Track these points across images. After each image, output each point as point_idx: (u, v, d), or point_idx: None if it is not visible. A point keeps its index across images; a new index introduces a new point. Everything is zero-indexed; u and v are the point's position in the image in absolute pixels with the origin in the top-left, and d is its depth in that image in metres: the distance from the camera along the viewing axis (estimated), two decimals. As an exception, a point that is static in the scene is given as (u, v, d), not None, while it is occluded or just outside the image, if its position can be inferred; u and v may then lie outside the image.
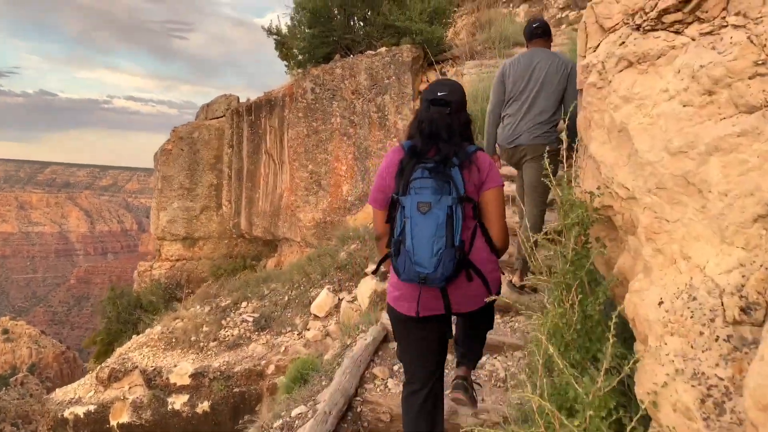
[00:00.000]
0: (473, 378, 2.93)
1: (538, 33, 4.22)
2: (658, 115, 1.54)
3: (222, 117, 15.81)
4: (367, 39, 11.33)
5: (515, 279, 4.09)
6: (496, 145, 4.36)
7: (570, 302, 1.62)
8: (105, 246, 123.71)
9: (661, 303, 1.36)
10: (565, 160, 2.07)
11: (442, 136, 2.43)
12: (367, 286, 7.47)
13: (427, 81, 11.05)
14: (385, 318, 3.74)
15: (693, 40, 1.48)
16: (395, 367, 3.37)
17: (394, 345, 3.59)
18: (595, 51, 1.82)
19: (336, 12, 11.35)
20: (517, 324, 3.48)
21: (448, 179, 2.32)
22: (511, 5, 13.81)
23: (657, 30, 1.57)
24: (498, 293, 2.52)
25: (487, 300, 2.33)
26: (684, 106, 1.45)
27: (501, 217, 2.46)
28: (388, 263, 2.46)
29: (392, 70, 10.54)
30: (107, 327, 15.24)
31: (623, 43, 1.67)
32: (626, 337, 1.69)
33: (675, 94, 1.49)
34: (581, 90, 1.95)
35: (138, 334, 11.09)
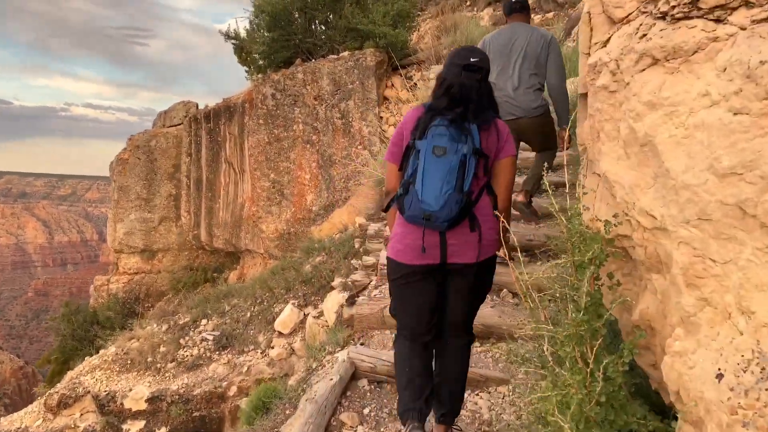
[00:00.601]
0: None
1: (517, 8, 4.36)
2: (696, 126, 1.21)
3: (180, 125, 15.26)
4: (329, 43, 10.96)
5: (521, 197, 4.45)
6: None
7: (588, 367, 1.28)
8: (64, 257, 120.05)
9: (720, 376, 1.03)
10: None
11: (473, 99, 2.43)
12: (334, 301, 7.09)
13: (392, 86, 10.74)
14: (353, 352, 3.39)
15: (742, 29, 1.15)
16: (366, 411, 3.01)
17: (364, 383, 3.24)
18: (604, 47, 1.50)
19: (296, 15, 10.95)
20: (498, 353, 3.16)
21: (467, 131, 2.36)
22: (475, 9, 13.62)
23: (691, 18, 1.24)
24: (494, 259, 2.55)
25: (499, 254, 2.41)
26: (735, 114, 1.12)
27: (509, 186, 2.52)
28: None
29: (356, 75, 10.19)
30: (62, 345, 14.48)
31: (644, 35, 1.34)
32: (653, 401, 1.35)
33: (720, 98, 1.16)
34: (585, 94, 1.62)
35: (97, 350, 10.47)
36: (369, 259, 5.09)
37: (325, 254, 8.63)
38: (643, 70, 1.32)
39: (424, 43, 11.05)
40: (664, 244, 1.30)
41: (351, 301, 4.05)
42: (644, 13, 1.39)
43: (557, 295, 1.68)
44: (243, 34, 11.79)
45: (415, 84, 9.94)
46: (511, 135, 2.56)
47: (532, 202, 4.66)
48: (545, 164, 3.43)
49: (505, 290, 4.07)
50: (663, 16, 1.30)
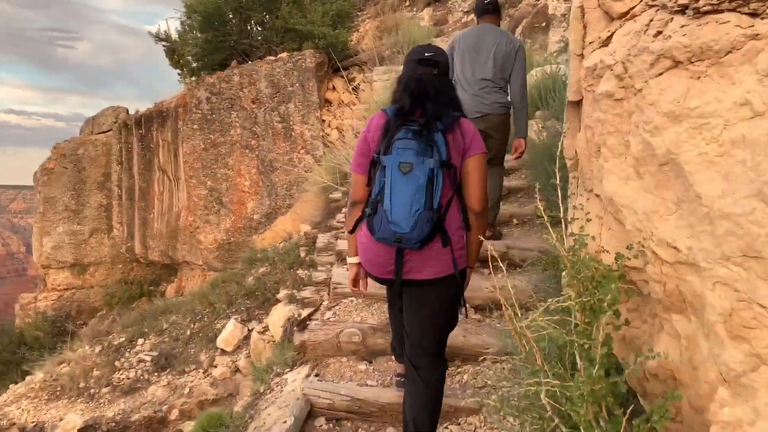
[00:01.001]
0: None
1: (489, 9, 4.40)
2: (734, 142, 0.99)
3: (110, 131, 14.48)
4: (267, 44, 10.56)
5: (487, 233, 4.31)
6: None
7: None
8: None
9: (799, 464, 0.81)
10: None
11: (430, 94, 2.38)
12: (280, 314, 6.78)
13: (334, 88, 10.45)
14: (309, 388, 3.09)
15: (790, 24, 0.94)
16: (326, 456, 2.73)
17: (321, 422, 2.94)
18: (605, 46, 1.27)
19: (231, 15, 10.50)
20: (465, 377, 2.94)
21: (432, 143, 2.28)
22: (414, 9, 13.47)
23: (721, 12, 1.03)
24: (463, 276, 2.46)
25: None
26: (790, 127, 0.90)
27: (482, 183, 2.41)
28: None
29: (296, 77, 9.84)
30: (-16, 370, 13.46)
31: (659, 33, 1.12)
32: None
33: (765, 109, 0.95)
34: (577, 102, 1.39)
35: (23, 376, 9.70)
36: (319, 275, 4.79)
37: (268, 265, 8.26)
38: (661, 74, 1.10)
39: (365, 44, 10.80)
40: (690, 282, 1.08)
41: (302, 326, 3.73)
42: (653, 6, 1.17)
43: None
44: (174, 35, 11.23)
45: (358, 86, 9.68)
46: (477, 133, 2.46)
47: (494, 227, 4.53)
48: (500, 189, 3.65)
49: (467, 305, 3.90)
50: (682, 10, 1.08)
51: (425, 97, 2.37)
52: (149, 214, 12.61)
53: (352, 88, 9.97)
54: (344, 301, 4.01)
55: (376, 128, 2.42)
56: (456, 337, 3.13)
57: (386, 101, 6.65)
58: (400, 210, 2.22)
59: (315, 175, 6.58)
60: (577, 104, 1.44)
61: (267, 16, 10.63)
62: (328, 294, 4.06)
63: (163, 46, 11.34)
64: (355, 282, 2.67)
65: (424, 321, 2.47)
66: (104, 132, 14.95)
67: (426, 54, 2.46)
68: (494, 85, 4.22)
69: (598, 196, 1.32)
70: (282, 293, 7.25)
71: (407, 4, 13.88)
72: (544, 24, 7.31)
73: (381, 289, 2.79)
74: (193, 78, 10.77)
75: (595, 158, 1.31)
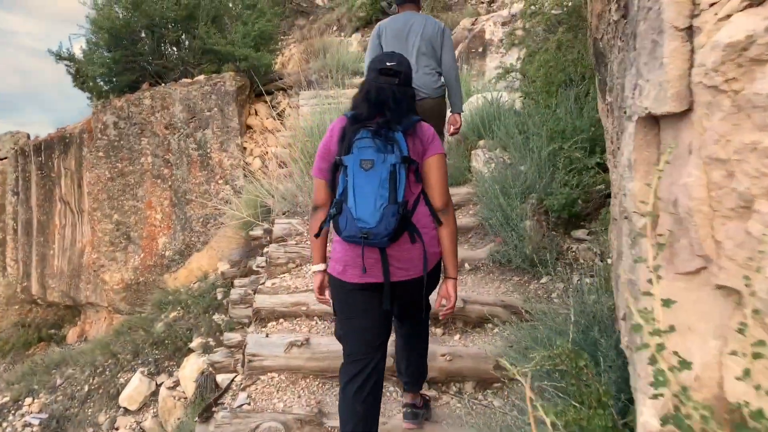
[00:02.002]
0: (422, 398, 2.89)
1: None
2: None
3: (6, 158, 13.09)
4: (182, 65, 9.73)
5: None
6: None
7: None
8: None
9: None
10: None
11: (389, 104, 2.39)
12: (193, 367, 5.98)
13: (256, 113, 9.72)
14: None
15: None
16: None
17: None
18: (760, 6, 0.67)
19: (143, 34, 9.62)
20: (450, 400, 2.33)
21: (392, 141, 2.31)
22: (342, 34, 13.00)
23: None
24: (437, 270, 2.53)
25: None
26: None
27: (442, 181, 2.44)
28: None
29: (214, 101, 9.05)
30: None
31: None
32: None
33: None
34: (673, 115, 0.78)
35: None
36: (233, 337, 4.04)
37: (181, 308, 7.38)
38: None
39: (291, 68, 10.17)
40: None
41: (206, 415, 2.95)
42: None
43: None
44: (79, 54, 10.21)
45: (283, 111, 9.00)
46: (436, 135, 2.49)
47: None
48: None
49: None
50: None
51: (384, 105, 2.38)
52: (48, 251, 11.33)
53: (277, 114, 9.29)
54: (262, 378, 3.19)
55: (336, 131, 2.44)
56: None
57: (315, 126, 6.07)
58: (363, 205, 2.22)
59: (233, 210, 5.82)
60: (674, 119, 0.85)
61: (183, 36, 9.83)
62: (242, 365, 3.28)
63: (66, 65, 10.28)
64: (321, 290, 2.63)
65: (415, 330, 2.66)
66: (1, 159, 13.58)
67: (388, 63, 2.47)
68: (428, 68, 4.31)
69: (722, 288, 0.71)
70: (195, 342, 6.41)
71: (335, 28, 13.41)
72: (481, 49, 6.95)
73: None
74: (100, 101, 9.77)
75: (735, 220, 0.70)
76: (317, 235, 2.49)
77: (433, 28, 4.38)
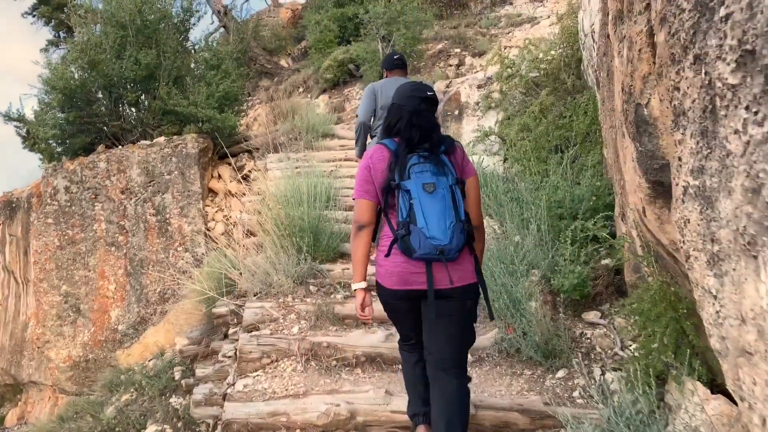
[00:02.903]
0: None
1: (398, 64, 4.90)
2: None
3: (-54, 223, 12.25)
4: (141, 126, 9.29)
5: None
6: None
7: None
8: None
9: None
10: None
11: (433, 127, 2.67)
12: (146, 461, 5.30)
13: (219, 176, 9.28)
14: None
15: None
16: None
17: None
18: None
19: (99, 94, 9.18)
20: None
21: (442, 164, 2.56)
22: (309, 95, 12.81)
23: None
24: (480, 275, 2.69)
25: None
26: None
27: (479, 200, 2.75)
28: None
29: (174, 164, 8.60)
30: None
31: None
32: None
33: None
34: None
35: None
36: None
37: (134, 390, 6.69)
38: None
39: (257, 129, 9.83)
40: None
41: None
42: None
43: None
44: (30, 115, 9.69)
45: (249, 174, 8.58)
46: (467, 155, 2.77)
47: None
48: None
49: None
50: None
51: (431, 130, 2.64)
52: (-11, 324, 10.43)
53: (242, 177, 8.87)
54: None
55: (379, 160, 2.64)
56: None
57: (289, 192, 5.66)
58: (435, 225, 2.44)
59: (194, 284, 5.30)
60: None
61: (143, 96, 9.43)
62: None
63: (15, 127, 9.74)
64: (363, 308, 2.76)
65: (448, 329, 2.62)
66: (-59, 224, 12.70)
67: (428, 93, 2.71)
68: None
69: None
70: (150, 429, 5.75)
71: (301, 90, 13.22)
72: (457, 112, 6.75)
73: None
74: (52, 164, 9.20)
75: None
76: (387, 256, 2.62)
77: None
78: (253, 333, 3.58)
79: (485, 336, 3.31)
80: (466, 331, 2.69)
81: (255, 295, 4.10)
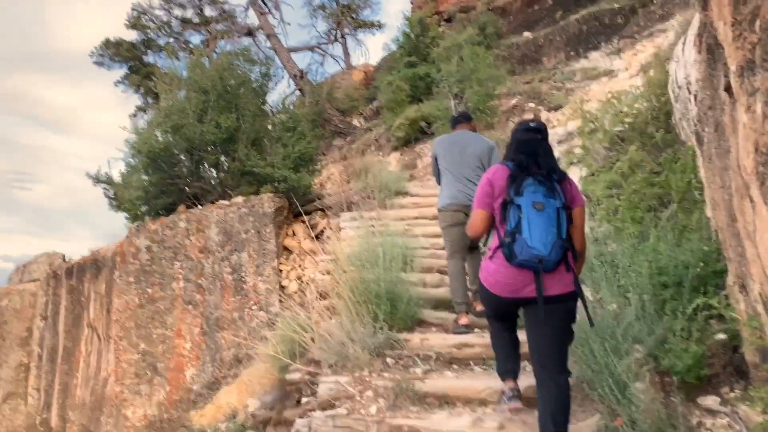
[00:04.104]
0: None
1: (461, 120, 5.37)
2: None
3: (38, 281, 12.93)
4: (221, 187, 9.52)
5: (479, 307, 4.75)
6: (439, 210, 5.12)
7: None
8: None
9: None
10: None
11: (539, 153, 3.08)
12: None
13: (293, 234, 9.31)
14: None
15: None
16: None
17: None
18: None
19: (181, 157, 9.51)
20: None
21: (554, 189, 2.93)
22: (380, 154, 12.87)
23: None
24: (579, 286, 3.00)
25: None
26: None
27: (584, 228, 3.13)
28: None
29: (251, 223, 8.70)
30: None
31: None
32: None
33: None
34: None
35: None
36: None
37: (208, 453, 6.58)
38: None
39: (330, 188, 9.89)
40: None
41: None
42: None
43: None
44: (117, 177, 10.14)
45: (322, 232, 8.56)
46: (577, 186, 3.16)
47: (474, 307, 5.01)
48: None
49: None
50: None
51: (535, 155, 3.03)
52: (72, 379, 10.73)
53: (315, 235, 8.86)
54: None
55: (501, 177, 3.04)
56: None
57: (363, 254, 5.52)
58: (538, 238, 2.79)
59: (267, 350, 5.18)
60: None
61: (222, 158, 9.70)
62: None
63: (104, 189, 10.20)
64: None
65: (552, 332, 2.90)
66: (34, 281, 13.42)
67: (531, 124, 3.26)
68: (478, 178, 4.72)
69: None
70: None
71: (373, 148, 13.32)
72: (535, 167, 6.52)
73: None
74: (135, 224, 9.53)
75: None
76: (491, 258, 3.02)
77: (483, 147, 5.00)
78: (329, 412, 3.34)
79: (585, 423, 2.95)
80: (566, 332, 2.98)
81: (330, 367, 3.90)
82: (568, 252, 2.88)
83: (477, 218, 3.10)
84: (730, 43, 2.19)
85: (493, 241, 3.04)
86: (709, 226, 3.55)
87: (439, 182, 5.29)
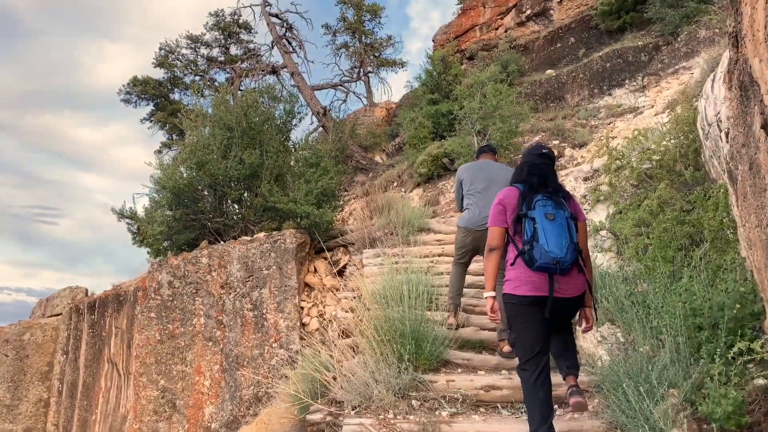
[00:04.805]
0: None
1: (485, 150, 5.81)
2: None
3: (60, 315, 12.99)
4: (243, 222, 9.55)
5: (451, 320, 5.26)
6: (459, 227, 5.49)
7: None
8: None
9: None
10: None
11: (551, 177, 3.55)
12: None
13: (315, 271, 9.26)
14: None
15: None
16: None
17: None
18: None
19: (205, 192, 9.59)
20: None
21: (561, 203, 3.39)
22: (403, 189, 12.87)
23: None
24: (590, 287, 3.49)
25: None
26: None
27: (587, 240, 3.63)
28: None
29: (272, 259, 8.68)
30: None
31: None
32: None
33: None
34: None
35: None
36: None
37: (224, 496, 6.42)
38: None
39: (352, 224, 9.86)
40: None
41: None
42: None
43: None
44: (141, 212, 10.23)
45: (344, 269, 8.50)
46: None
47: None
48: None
49: None
50: None
51: (547, 178, 3.50)
52: (91, 415, 10.66)
53: (337, 271, 8.80)
54: None
55: (512, 197, 3.48)
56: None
57: (384, 290, 5.44)
58: (554, 243, 3.19)
59: (287, 387, 5.08)
60: None
61: (245, 194, 9.76)
62: None
63: (127, 224, 10.29)
64: (492, 310, 3.51)
65: (563, 325, 3.48)
66: (57, 315, 13.48)
67: (544, 150, 3.68)
68: None
69: None
70: None
71: (395, 185, 13.34)
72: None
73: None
74: (158, 258, 9.57)
75: None
76: (512, 264, 3.34)
77: (507, 175, 5.08)
78: (356, 460, 3.24)
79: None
80: (570, 323, 3.53)
81: (353, 408, 3.80)
82: (579, 255, 3.30)
83: (494, 234, 3.48)
84: (767, 80, 2.13)
85: (511, 252, 3.38)
86: (744, 266, 3.43)
87: (461, 207, 5.62)
